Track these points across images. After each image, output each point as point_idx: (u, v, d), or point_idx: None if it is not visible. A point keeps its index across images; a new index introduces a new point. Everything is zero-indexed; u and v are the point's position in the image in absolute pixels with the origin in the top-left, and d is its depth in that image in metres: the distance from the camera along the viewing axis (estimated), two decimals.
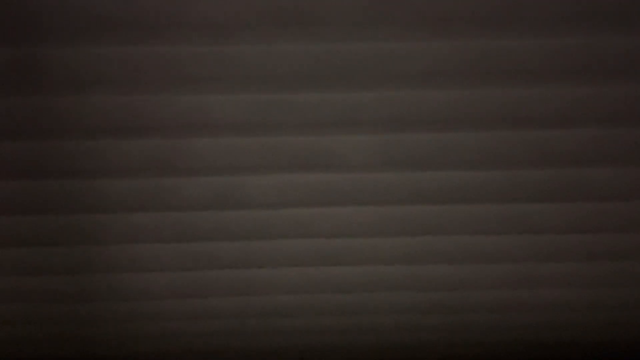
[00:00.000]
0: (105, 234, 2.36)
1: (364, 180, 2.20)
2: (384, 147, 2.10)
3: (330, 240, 2.44)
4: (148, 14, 1.73)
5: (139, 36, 1.78)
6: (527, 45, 1.85)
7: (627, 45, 1.86)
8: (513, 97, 1.97)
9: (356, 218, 2.34)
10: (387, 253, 2.50)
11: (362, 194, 2.24)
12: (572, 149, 2.12)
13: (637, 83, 1.94)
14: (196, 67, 1.86)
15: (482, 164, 2.15)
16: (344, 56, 1.85)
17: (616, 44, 1.85)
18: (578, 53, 1.87)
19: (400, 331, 2.99)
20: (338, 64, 1.86)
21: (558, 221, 2.38)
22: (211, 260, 2.50)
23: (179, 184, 2.20)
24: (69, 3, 1.70)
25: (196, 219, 2.33)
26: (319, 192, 2.23)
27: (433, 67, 1.88)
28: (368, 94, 1.95)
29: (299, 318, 2.86)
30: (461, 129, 2.04)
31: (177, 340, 2.99)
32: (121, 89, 1.90)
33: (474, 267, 2.59)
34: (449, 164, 2.14)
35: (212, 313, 2.80)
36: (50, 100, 1.93)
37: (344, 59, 1.85)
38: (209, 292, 2.65)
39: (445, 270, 2.60)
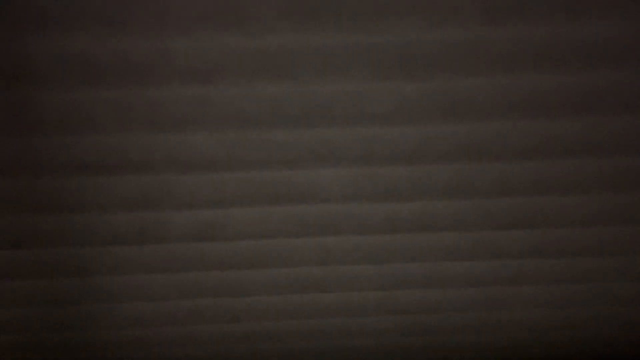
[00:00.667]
0: (96, 266, 2.37)
1: (341, 211, 2.22)
2: (358, 180, 2.12)
3: (311, 268, 2.46)
4: (136, 60, 1.77)
5: (128, 81, 1.81)
6: (489, 82, 1.88)
7: (591, 81, 1.90)
8: (477, 131, 2.00)
9: (334, 247, 2.36)
10: (365, 280, 2.52)
11: (340, 224, 2.26)
12: (536, 179, 2.16)
13: (603, 116, 1.96)
14: (181, 108, 1.89)
15: (452, 195, 2.18)
16: (319, 97, 1.88)
17: (583, 80, 1.89)
18: (539, 89, 1.90)
19: (380, 353, 3.02)
20: (313, 104, 1.89)
21: (524, 247, 2.41)
22: (197, 289, 2.51)
23: (166, 218, 2.21)
24: (62, 49, 1.74)
25: (182, 251, 2.34)
26: (298, 223, 2.25)
27: (402, 106, 1.91)
28: (342, 131, 1.98)
29: (283, 343, 2.87)
30: (430, 162, 2.07)
31: None
32: (111, 129, 1.93)
33: (446, 291, 2.61)
34: (420, 194, 2.17)
35: (199, 339, 2.81)
36: (44, 139, 1.95)
37: (318, 99, 1.89)
38: (195, 319, 2.66)
39: (421, 294, 2.63)
